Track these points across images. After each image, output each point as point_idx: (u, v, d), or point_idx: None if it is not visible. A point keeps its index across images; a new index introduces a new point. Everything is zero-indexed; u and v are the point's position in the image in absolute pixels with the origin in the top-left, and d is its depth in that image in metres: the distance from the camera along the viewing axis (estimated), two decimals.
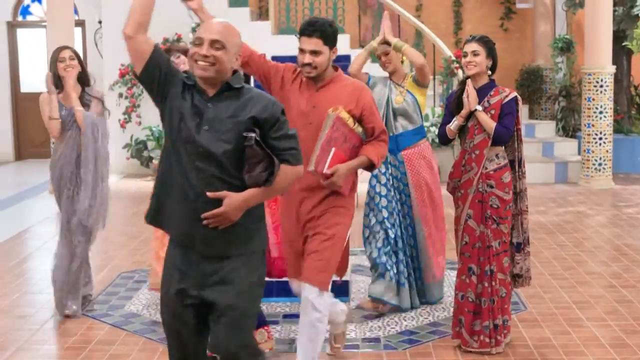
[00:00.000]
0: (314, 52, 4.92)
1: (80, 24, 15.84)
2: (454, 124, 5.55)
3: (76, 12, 15.39)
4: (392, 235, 6.43)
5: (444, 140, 5.71)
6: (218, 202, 3.73)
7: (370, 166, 5.06)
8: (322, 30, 4.92)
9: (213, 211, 3.72)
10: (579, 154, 13.20)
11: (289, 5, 14.11)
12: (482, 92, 5.51)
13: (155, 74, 3.83)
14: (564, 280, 7.40)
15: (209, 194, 3.72)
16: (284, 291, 6.76)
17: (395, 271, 6.43)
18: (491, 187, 5.45)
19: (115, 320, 6.44)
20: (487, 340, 5.51)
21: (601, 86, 12.41)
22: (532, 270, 7.60)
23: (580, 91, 13.83)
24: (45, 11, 13.89)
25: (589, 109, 12.55)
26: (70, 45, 12.02)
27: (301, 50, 4.99)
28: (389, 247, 6.42)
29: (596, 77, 12.45)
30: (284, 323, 6.35)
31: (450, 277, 7.44)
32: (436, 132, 12.13)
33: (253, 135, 3.74)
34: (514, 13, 16.24)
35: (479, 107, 5.44)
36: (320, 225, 4.98)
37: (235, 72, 3.88)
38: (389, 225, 6.44)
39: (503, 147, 5.52)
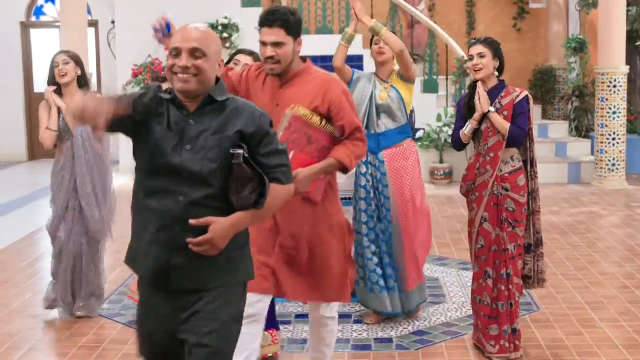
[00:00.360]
0: (277, 44, 4.50)
1: (94, 24, 15.88)
2: (467, 128, 5.47)
3: (89, 12, 15.44)
4: (367, 244, 6.21)
5: (458, 145, 5.64)
6: (200, 229, 3.35)
7: (343, 169, 4.62)
8: (283, 19, 4.51)
9: (199, 239, 3.33)
10: (592, 154, 13.16)
11: (301, 6, 14.11)
12: (492, 94, 5.44)
13: (127, 124, 3.46)
14: (577, 281, 7.38)
15: (192, 221, 3.33)
16: None
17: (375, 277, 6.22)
18: (507, 190, 5.38)
19: (128, 320, 6.44)
20: (507, 345, 5.43)
21: (614, 86, 12.37)
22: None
23: (593, 91, 13.78)
24: (59, 11, 13.93)
25: (602, 109, 12.51)
26: (82, 45, 12.11)
27: (262, 44, 4.54)
28: (364, 253, 6.22)
29: (609, 77, 12.41)
30: (296, 323, 6.35)
31: (462, 278, 7.44)
32: (449, 132, 12.15)
33: (241, 152, 3.37)
34: (527, 13, 16.19)
35: (492, 109, 5.38)
36: (311, 243, 4.64)
37: (218, 80, 3.53)
38: (364, 231, 6.22)
39: (517, 150, 5.46)
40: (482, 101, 5.38)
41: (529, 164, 5.52)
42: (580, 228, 9.58)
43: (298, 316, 6.49)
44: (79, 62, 6.48)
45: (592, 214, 10.43)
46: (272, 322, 5.63)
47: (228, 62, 5.59)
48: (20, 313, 6.74)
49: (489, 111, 5.38)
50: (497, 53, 5.43)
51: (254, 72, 4.76)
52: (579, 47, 14.67)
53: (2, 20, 16.03)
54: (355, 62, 13.67)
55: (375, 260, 6.22)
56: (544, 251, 5.67)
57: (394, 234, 6.18)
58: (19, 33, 16.34)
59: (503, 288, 5.41)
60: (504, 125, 5.35)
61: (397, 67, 6.37)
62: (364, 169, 6.24)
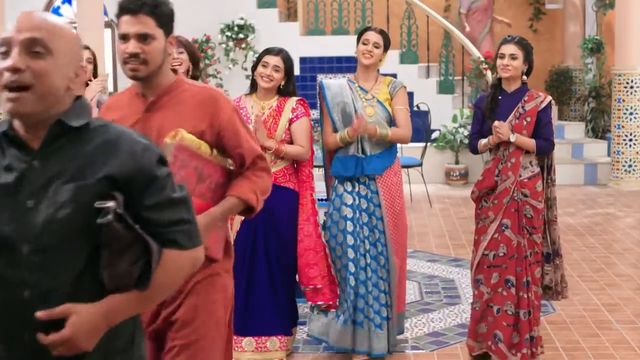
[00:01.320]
0: (142, 37, 3.28)
1: (110, 25, 15.93)
2: (484, 142, 5.36)
3: (106, 13, 15.48)
4: (352, 270, 5.48)
5: (474, 151, 5.56)
6: (57, 323, 2.20)
7: (247, 209, 3.49)
8: (153, 4, 3.29)
9: (51, 337, 2.19)
10: (609, 155, 13.11)
11: (317, 7, 14.12)
12: (515, 97, 5.33)
13: None
14: (593, 283, 7.35)
15: (39, 314, 2.18)
16: None
17: (350, 311, 5.49)
18: (526, 196, 5.28)
19: None
20: (528, 353, 5.30)
21: (631, 87, 12.32)
22: None
23: (610, 92, 13.73)
24: (75, 12, 13.98)
25: (619, 110, 12.47)
26: (99, 46, 12.14)
27: (122, 37, 3.31)
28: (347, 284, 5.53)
29: (626, 78, 12.36)
30: None
31: (462, 287, 7.43)
32: (465, 133, 12.12)
33: (111, 205, 2.23)
34: (543, 14, 16.15)
35: (512, 138, 5.23)
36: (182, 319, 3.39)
37: (78, 98, 2.37)
38: (350, 257, 5.49)
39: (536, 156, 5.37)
40: (502, 131, 5.20)
41: (545, 171, 5.43)
42: (596, 229, 9.55)
43: None
44: (95, 63, 6.28)
45: (608, 215, 10.40)
46: (282, 326, 5.57)
47: (255, 66, 5.53)
48: None
49: (511, 140, 5.24)
50: (529, 57, 5.32)
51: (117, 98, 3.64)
52: (596, 48, 14.62)
53: None
54: (353, 62, 13.68)
55: (362, 290, 5.52)
56: (562, 262, 5.57)
57: (389, 258, 5.57)
58: None
59: (525, 296, 5.28)
60: (531, 145, 5.26)
61: (383, 76, 5.75)
62: (349, 187, 5.58)
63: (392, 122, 5.66)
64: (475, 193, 5.46)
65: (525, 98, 5.33)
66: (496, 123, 5.25)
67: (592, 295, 6.99)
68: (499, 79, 5.42)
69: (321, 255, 5.61)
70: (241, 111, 5.53)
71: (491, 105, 5.38)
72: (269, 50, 5.56)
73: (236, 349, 5.47)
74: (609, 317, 6.43)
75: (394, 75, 12.90)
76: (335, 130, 5.62)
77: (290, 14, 15.80)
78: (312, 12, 14.21)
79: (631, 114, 12.35)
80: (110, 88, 15.19)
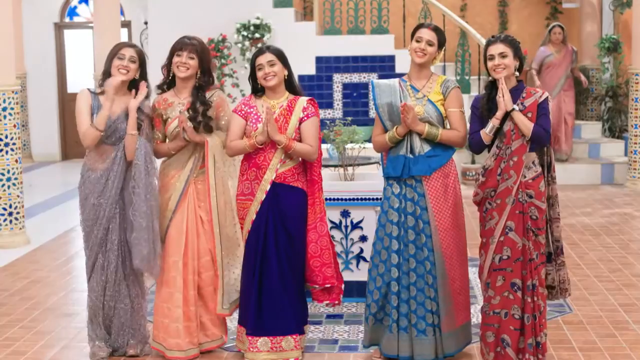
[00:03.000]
0: None
1: (126, 24, 15.97)
2: (489, 127, 5.28)
3: (122, 13, 15.53)
4: (395, 276, 5.43)
5: (477, 148, 5.45)
6: None
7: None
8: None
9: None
10: (626, 155, 13.06)
11: (333, 6, 14.10)
12: (512, 95, 5.27)
13: None
14: (609, 283, 7.32)
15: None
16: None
17: (394, 317, 5.47)
18: (530, 197, 5.21)
19: None
20: (532, 358, 5.23)
21: None
22: (578, 272, 7.60)
23: (627, 92, 13.67)
24: (92, 12, 14.02)
25: (636, 109, 12.41)
26: None
27: None
28: (386, 286, 5.47)
29: None
30: (327, 323, 6.36)
31: (478, 287, 7.40)
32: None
33: None
34: (560, 13, 16.08)
35: (516, 107, 5.20)
36: None
37: None
38: (393, 262, 5.43)
39: (537, 154, 5.30)
40: (505, 99, 5.18)
41: (546, 168, 5.36)
42: (613, 229, 9.51)
43: (329, 316, 6.50)
44: (143, 64, 5.82)
45: (625, 215, 10.35)
46: (296, 325, 5.58)
47: (252, 73, 5.57)
48: (53, 311, 6.80)
49: (512, 109, 5.20)
50: (518, 52, 5.27)
51: None
52: (613, 47, 14.56)
53: (36, 21, 16.16)
54: (387, 62, 13.68)
55: (405, 295, 5.46)
56: (564, 260, 5.51)
57: (437, 263, 5.42)
58: (53, 34, 16.45)
59: (529, 300, 5.22)
60: (528, 125, 5.18)
61: (437, 74, 5.65)
62: (397, 189, 5.49)
63: (443, 122, 5.53)
64: (480, 195, 5.38)
65: (524, 95, 5.29)
66: (502, 86, 5.19)
67: (609, 295, 6.96)
68: (493, 80, 5.33)
69: (335, 254, 5.68)
70: (251, 110, 5.56)
71: (488, 105, 5.32)
72: (260, 51, 5.64)
73: (251, 349, 5.48)
74: (625, 317, 6.40)
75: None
76: (385, 131, 5.54)
77: (306, 14, 15.80)
78: (328, 11, 14.20)
79: None
80: None
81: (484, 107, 5.36)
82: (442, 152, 5.48)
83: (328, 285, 5.64)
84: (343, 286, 5.77)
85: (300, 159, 5.56)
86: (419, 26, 5.56)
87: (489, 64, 5.28)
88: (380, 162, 5.84)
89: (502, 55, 5.23)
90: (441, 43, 5.53)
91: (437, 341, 5.45)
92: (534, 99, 5.27)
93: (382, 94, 5.52)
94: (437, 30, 5.52)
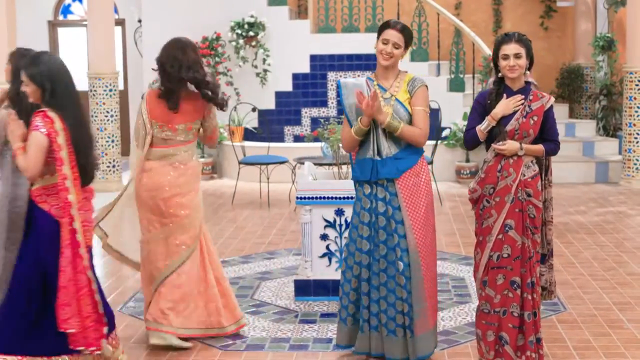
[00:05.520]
0: None
1: (120, 22, 15.94)
2: (484, 124, 5.22)
3: (116, 11, 15.48)
4: (365, 277, 5.35)
5: (471, 144, 5.37)
6: None
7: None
8: None
9: None
10: (620, 153, 13.07)
11: (327, 4, 14.10)
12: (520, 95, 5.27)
13: None
14: (604, 281, 7.32)
15: None
16: (322, 290, 6.78)
17: (365, 316, 5.39)
18: (529, 195, 5.20)
19: None
20: (533, 355, 5.21)
21: None
22: (572, 270, 7.62)
23: (621, 90, 13.69)
24: (86, 10, 13.99)
25: (630, 108, 12.42)
26: (109, 44, 12.14)
27: None
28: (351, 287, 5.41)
29: (638, 76, 12.31)
30: (321, 322, 6.34)
31: (473, 286, 7.39)
32: None
33: None
34: (554, 11, 16.09)
35: (521, 152, 5.15)
36: None
37: None
38: (363, 263, 5.34)
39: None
40: (512, 149, 5.14)
41: (543, 171, 5.35)
42: (607, 228, 9.51)
43: (323, 315, 6.49)
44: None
45: (619, 214, 10.36)
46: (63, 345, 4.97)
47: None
48: None
49: (520, 152, 5.17)
50: (530, 52, 5.22)
51: None
52: (607, 46, 14.58)
53: (30, 19, 16.12)
54: (372, 60, 13.65)
55: (375, 295, 5.35)
56: (553, 262, 5.50)
57: (411, 265, 5.27)
58: (47, 32, 16.42)
59: (529, 297, 5.20)
60: (539, 150, 5.21)
61: (405, 71, 5.50)
62: (367, 189, 5.36)
63: (410, 120, 5.34)
64: (478, 191, 5.30)
65: (531, 97, 5.25)
66: (499, 145, 5.15)
67: (604, 294, 6.96)
68: (501, 77, 5.28)
69: (84, 292, 4.91)
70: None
71: (497, 101, 5.25)
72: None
73: None
74: (620, 316, 6.40)
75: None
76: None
77: (300, 12, 15.79)
78: (323, 9, 14.19)
79: None
80: (121, 86, 15.20)
81: (493, 104, 5.26)
82: (410, 155, 5.35)
83: (73, 331, 4.90)
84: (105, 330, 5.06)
85: None
86: (386, 25, 5.40)
87: (503, 63, 5.20)
88: (351, 164, 5.63)
89: (517, 56, 5.16)
90: (407, 43, 5.38)
91: (409, 342, 5.30)
92: (540, 103, 5.24)
93: (350, 93, 5.37)
94: (404, 30, 5.35)
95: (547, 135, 5.28)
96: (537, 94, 5.28)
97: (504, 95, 5.24)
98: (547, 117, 5.24)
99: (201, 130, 5.96)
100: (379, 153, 5.33)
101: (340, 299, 5.50)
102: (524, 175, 5.22)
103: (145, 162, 5.87)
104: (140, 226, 5.98)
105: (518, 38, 5.22)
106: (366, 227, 5.34)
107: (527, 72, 5.30)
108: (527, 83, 5.32)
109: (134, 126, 6.02)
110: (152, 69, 5.95)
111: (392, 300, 5.29)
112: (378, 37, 5.37)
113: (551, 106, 5.27)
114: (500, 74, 5.29)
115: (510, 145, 5.15)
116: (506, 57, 5.18)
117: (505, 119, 5.21)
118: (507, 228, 5.20)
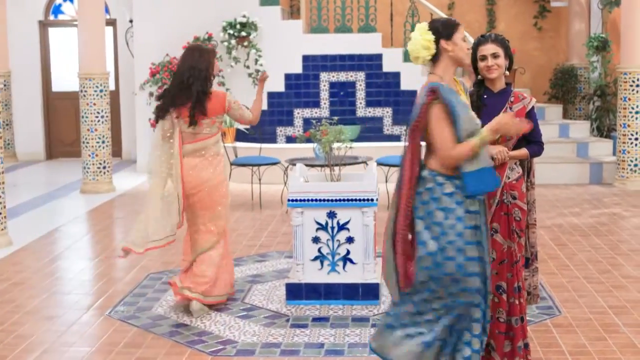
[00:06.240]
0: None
1: (112, 23, 15.85)
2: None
3: (107, 11, 15.41)
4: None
5: None
6: None
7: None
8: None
9: None
10: (614, 154, 13.02)
11: (320, 4, 14.03)
12: (501, 98, 5.18)
13: None
14: (599, 284, 7.25)
15: None
16: (314, 293, 6.70)
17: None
18: (514, 198, 5.12)
19: (142, 323, 6.37)
20: None
21: (637, 85, 12.22)
22: (566, 273, 7.56)
23: (615, 91, 13.65)
24: (77, 10, 13.90)
25: (624, 108, 12.38)
26: (100, 44, 12.05)
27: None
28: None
29: (632, 77, 12.26)
30: (313, 327, 6.26)
31: None
32: None
33: None
34: (548, 11, 16.06)
35: (507, 158, 5.06)
36: None
37: None
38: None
39: None
40: (500, 157, 5.00)
41: (526, 173, 5.30)
42: (602, 230, 9.45)
43: (315, 319, 6.40)
44: None
45: (614, 215, 10.30)
46: None
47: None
48: (35, 314, 6.68)
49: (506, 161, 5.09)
50: (508, 51, 5.20)
51: None
52: (601, 46, 14.54)
53: (21, 19, 16.02)
54: (374, 60, 13.60)
55: None
56: (538, 266, 5.43)
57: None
58: (37, 32, 16.31)
59: (516, 302, 5.11)
60: (524, 155, 5.14)
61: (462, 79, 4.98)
62: (476, 220, 4.68)
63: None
64: None
65: (512, 99, 5.20)
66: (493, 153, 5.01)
67: (599, 297, 6.89)
68: (482, 79, 5.23)
69: None
70: None
71: (477, 104, 5.17)
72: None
73: None
74: (615, 319, 6.33)
75: (397, 74, 12.76)
76: (459, 141, 4.59)
77: (293, 12, 15.72)
78: (315, 9, 14.12)
79: (637, 112, 12.25)
80: (112, 86, 15.11)
81: (474, 106, 5.19)
82: None
83: None
84: None
85: None
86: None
87: (481, 64, 5.17)
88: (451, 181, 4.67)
89: (495, 56, 5.14)
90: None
91: None
92: (522, 104, 5.20)
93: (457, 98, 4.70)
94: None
95: (530, 137, 5.19)
96: (519, 95, 5.23)
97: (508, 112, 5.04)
98: (530, 119, 5.15)
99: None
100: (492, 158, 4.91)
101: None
102: (509, 178, 5.15)
103: (184, 160, 6.54)
104: (186, 221, 6.80)
105: (495, 38, 5.20)
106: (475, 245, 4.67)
107: (507, 72, 5.25)
108: (508, 84, 5.27)
109: (155, 135, 6.63)
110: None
111: None
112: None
113: (533, 107, 5.22)
114: (480, 76, 5.24)
115: (500, 154, 5.04)
116: (484, 57, 5.16)
117: (486, 122, 5.12)
118: (492, 232, 5.10)
